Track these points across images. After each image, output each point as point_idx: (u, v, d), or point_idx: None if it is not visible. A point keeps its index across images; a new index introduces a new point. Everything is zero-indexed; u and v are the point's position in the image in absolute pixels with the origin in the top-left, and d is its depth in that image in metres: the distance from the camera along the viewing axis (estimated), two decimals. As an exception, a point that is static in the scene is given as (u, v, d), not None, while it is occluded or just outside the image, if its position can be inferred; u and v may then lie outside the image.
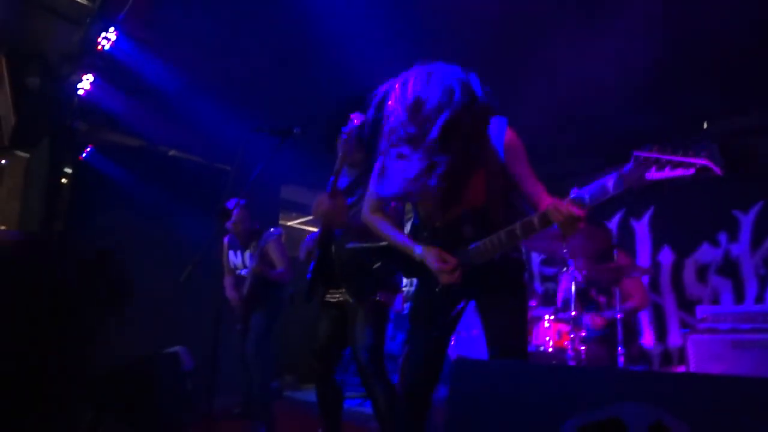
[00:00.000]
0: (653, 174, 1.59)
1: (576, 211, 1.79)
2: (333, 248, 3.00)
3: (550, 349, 4.08)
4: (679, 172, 1.55)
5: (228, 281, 4.48)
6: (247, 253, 4.33)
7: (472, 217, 2.12)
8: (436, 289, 2.14)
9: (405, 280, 6.73)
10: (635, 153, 1.62)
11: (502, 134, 2.11)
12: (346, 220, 2.85)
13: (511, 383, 1.55)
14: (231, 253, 4.47)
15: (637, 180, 1.64)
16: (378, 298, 2.94)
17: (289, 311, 4.52)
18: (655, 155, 1.59)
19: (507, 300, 2.14)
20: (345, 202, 2.91)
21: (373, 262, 2.56)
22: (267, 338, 4.29)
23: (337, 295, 3.13)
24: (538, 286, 5.98)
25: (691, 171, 1.54)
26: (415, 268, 2.20)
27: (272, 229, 4.29)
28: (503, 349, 2.08)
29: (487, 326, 2.17)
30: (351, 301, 2.99)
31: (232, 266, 4.44)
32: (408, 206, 2.59)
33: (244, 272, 4.35)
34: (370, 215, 2.36)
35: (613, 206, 5.68)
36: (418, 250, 2.14)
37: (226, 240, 4.58)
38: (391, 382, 2.95)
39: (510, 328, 2.13)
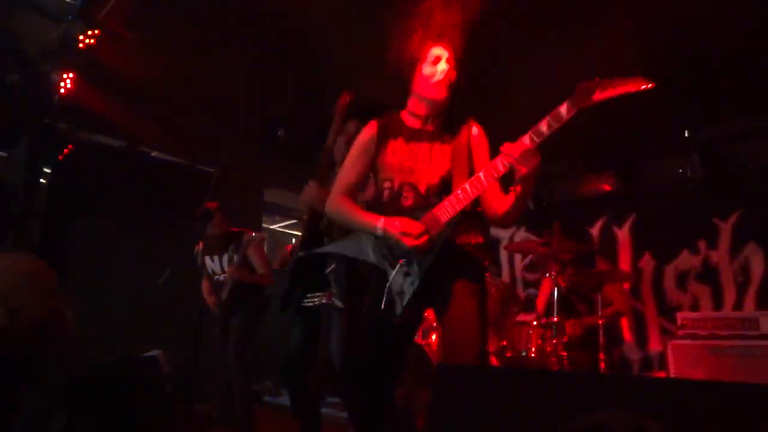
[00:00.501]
0: (599, 95, 1.81)
1: (525, 143, 1.91)
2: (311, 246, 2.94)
3: (533, 355, 4.09)
4: (620, 89, 1.80)
5: (205, 286, 4.41)
6: (225, 258, 4.26)
7: (438, 186, 2.13)
8: (396, 267, 2.09)
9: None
10: (577, 84, 1.86)
11: (470, 127, 2.24)
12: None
13: (494, 390, 1.54)
14: (207, 259, 4.38)
15: (586, 101, 1.83)
16: (352, 304, 2.86)
17: (269, 315, 4.48)
18: (593, 82, 1.84)
19: (465, 305, 2.07)
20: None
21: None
22: (247, 342, 4.23)
23: (315, 299, 3.07)
24: (521, 291, 6.00)
25: (629, 86, 1.79)
26: (372, 254, 2.16)
27: (254, 234, 4.20)
28: (459, 356, 2.01)
29: (444, 332, 2.13)
30: (329, 304, 2.94)
31: (210, 272, 4.35)
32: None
33: (222, 278, 4.26)
34: (336, 198, 2.30)
35: (595, 213, 5.73)
36: (381, 222, 2.10)
37: (199, 245, 4.49)
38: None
39: (466, 335, 2.04)
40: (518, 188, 2.03)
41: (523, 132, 2.00)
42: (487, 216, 2.22)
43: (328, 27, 3.71)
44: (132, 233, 5.42)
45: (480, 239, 2.21)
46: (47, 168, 5.22)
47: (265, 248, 4.47)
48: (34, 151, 4.81)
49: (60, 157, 5.29)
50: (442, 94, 2.17)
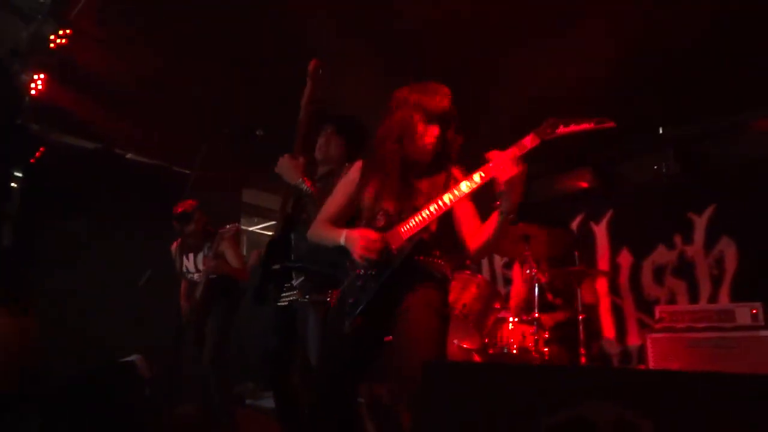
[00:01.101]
0: (561, 129, 1.93)
1: (516, 151, 1.96)
2: (293, 238, 2.97)
3: (515, 351, 4.11)
4: (582, 126, 1.92)
5: (183, 287, 4.36)
6: (200, 256, 4.21)
7: (411, 214, 2.14)
8: (355, 274, 2.13)
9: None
10: (548, 117, 1.97)
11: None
12: (304, 177, 2.78)
13: (477, 385, 1.54)
14: (184, 258, 4.32)
15: (548, 134, 1.94)
16: (328, 299, 2.76)
17: (247, 316, 4.43)
18: (562, 118, 1.95)
19: (422, 319, 2.06)
20: (304, 163, 2.87)
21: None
22: (224, 345, 4.17)
23: (289, 298, 3.07)
24: (501, 288, 6.03)
25: (591, 124, 1.91)
26: (342, 265, 2.21)
27: (227, 226, 4.12)
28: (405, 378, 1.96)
29: (398, 345, 2.08)
30: (302, 300, 2.93)
31: (185, 271, 4.29)
32: None
33: (196, 277, 4.21)
34: (314, 227, 2.39)
35: (574, 210, 5.79)
36: (343, 234, 2.17)
37: (174, 246, 4.43)
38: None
39: (420, 346, 2.00)
40: (503, 203, 1.99)
41: (503, 134, 2.05)
42: (465, 251, 2.21)
43: (308, 24, 3.69)
44: (108, 236, 5.33)
45: (447, 269, 2.23)
46: (18, 171, 5.10)
47: (241, 243, 4.41)
48: (3, 153, 4.69)
49: (32, 160, 5.17)
50: (428, 157, 2.23)
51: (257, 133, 3.14)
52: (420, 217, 2.08)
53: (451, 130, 2.25)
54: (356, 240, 2.10)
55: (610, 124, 1.89)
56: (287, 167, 2.80)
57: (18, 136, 4.74)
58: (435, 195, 2.14)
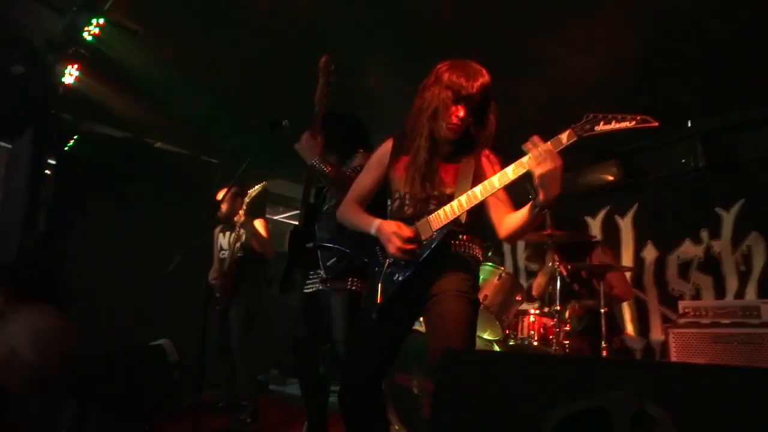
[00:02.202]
0: (601, 126, 1.85)
1: (551, 145, 1.89)
2: (315, 227, 3.03)
3: (535, 343, 4.12)
4: (623, 124, 1.83)
5: (214, 267, 4.47)
6: (233, 235, 4.29)
7: (440, 201, 2.16)
8: (386, 263, 2.15)
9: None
10: (586, 113, 1.90)
11: None
12: (319, 158, 2.79)
13: (495, 373, 1.56)
14: (220, 236, 4.48)
15: (587, 131, 1.87)
16: (351, 287, 2.94)
17: (271, 304, 4.50)
18: (602, 113, 1.87)
19: (453, 312, 2.08)
20: (322, 142, 2.88)
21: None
22: (250, 328, 4.26)
23: (314, 284, 3.12)
24: (524, 281, 6.03)
25: (633, 122, 1.81)
26: (368, 250, 2.23)
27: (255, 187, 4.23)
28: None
29: (430, 339, 2.11)
30: (325, 289, 3.00)
31: (219, 248, 4.44)
32: None
33: (225, 254, 4.35)
34: (346, 205, 2.42)
35: (599, 203, 5.75)
36: (375, 223, 2.20)
37: (217, 228, 4.60)
38: None
39: (449, 333, 2.04)
40: (538, 196, 1.96)
41: (523, 124, 2.04)
42: (497, 234, 2.23)
43: (336, 16, 3.72)
44: (137, 222, 5.46)
45: (477, 249, 2.26)
46: (52, 159, 5.24)
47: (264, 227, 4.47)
48: (39, 142, 4.82)
49: (65, 148, 5.32)
50: (453, 136, 2.22)
51: (283, 123, 3.18)
52: (450, 209, 2.08)
53: (483, 114, 2.22)
54: (389, 237, 2.11)
55: (654, 124, 1.78)
56: (306, 146, 2.80)
57: (52, 125, 4.86)
58: (465, 181, 2.14)
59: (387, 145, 2.37)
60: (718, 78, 4.23)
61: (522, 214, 2.07)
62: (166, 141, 6.23)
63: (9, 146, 5.83)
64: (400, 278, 2.12)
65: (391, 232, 2.12)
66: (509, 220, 2.15)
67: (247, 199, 4.18)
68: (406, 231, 2.11)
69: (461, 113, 2.16)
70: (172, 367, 4.33)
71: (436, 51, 2.29)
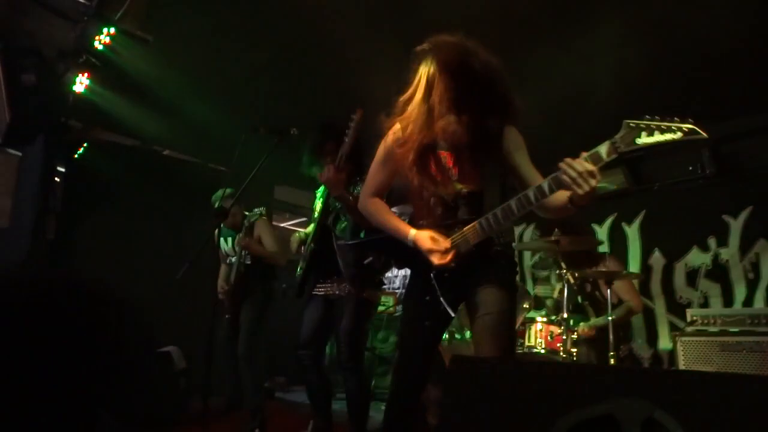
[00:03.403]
0: (643, 139, 1.69)
1: (590, 165, 1.78)
2: (333, 238, 3.15)
3: (542, 351, 4.11)
4: (668, 136, 1.65)
5: (221, 271, 4.43)
6: (237, 238, 4.20)
7: (467, 200, 2.15)
8: (431, 274, 2.14)
9: (397, 282, 6.76)
10: (625, 121, 1.72)
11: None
12: (344, 192, 2.95)
13: (505, 381, 1.57)
14: (222, 240, 4.41)
15: (627, 144, 1.72)
16: (364, 295, 3.09)
17: (278, 312, 4.49)
18: (644, 121, 1.69)
19: (497, 300, 2.13)
20: (346, 177, 2.99)
21: (366, 256, 2.69)
22: (257, 334, 4.20)
23: (325, 288, 3.26)
24: (531, 288, 6.01)
25: (679, 134, 1.64)
26: (408, 257, 2.19)
27: (255, 210, 4.10)
28: (491, 349, 2.08)
29: (475, 326, 2.16)
30: (338, 293, 3.15)
31: (224, 254, 4.36)
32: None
33: (234, 260, 4.24)
34: (367, 200, 2.36)
35: (605, 210, 5.73)
36: (411, 234, 2.15)
37: (216, 232, 4.53)
38: (366, 379, 3.24)
39: (499, 329, 2.11)
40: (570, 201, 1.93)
41: (528, 134, 2.03)
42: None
43: (345, 27, 3.75)
44: (145, 230, 5.50)
45: (509, 238, 2.27)
46: (62, 166, 5.29)
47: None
48: (49, 150, 4.87)
49: (74, 156, 5.37)
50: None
51: (291, 132, 3.21)
52: (487, 224, 2.04)
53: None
54: (429, 253, 2.09)
55: (703, 136, 1.63)
56: (333, 181, 2.90)
57: (62, 133, 4.91)
58: (491, 174, 2.11)
59: (396, 134, 2.24)
60: (725, 84, 4.23)
61: (561, 199, 1.98)
62: (174, 149, 6.27)
63: (20, 154, 5.89)
64: (446, 287, 2.13)
65: (429, 249, 2.09)
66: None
67: (246, 223, 4.09)
68: (444, 243, 2.09)
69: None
70: (179, 374, 4.35)
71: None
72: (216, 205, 4.23)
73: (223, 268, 4.45)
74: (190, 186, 5.91)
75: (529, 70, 4.05)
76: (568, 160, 1.82)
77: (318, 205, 3.41)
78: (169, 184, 5.79)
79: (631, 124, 1.71)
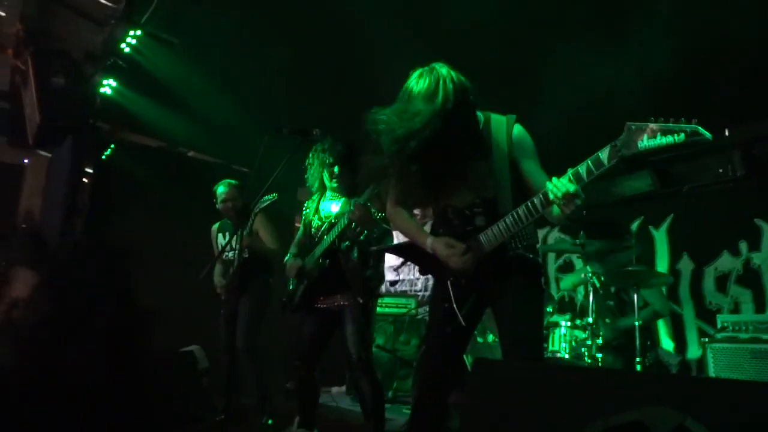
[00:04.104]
0: (645, 142, 1.66)
1: (571, 187, 1.83)
2: (341, 257, 3.30)
3: (567, 356, 4.05)
4: (670, 138, 1.61)
5: (216, 268, 4.38)
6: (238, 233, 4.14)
7: (483, 208, 2.16)
8: (448, 281, 2.15)
9: (419, 285, 6.74)
10: (627, 123, 1.69)
11: (511, 130, 2.19)
12: (374, 226, 3.18)
13: (530, 385, 1.54)
14: (219, 236, 4.40)
15: (629, 148, 1.69)
16: (362, 301, 3.27)
17: (279, 321, 4.45)
18: (645, 123, 1.66)
19: (523, 303, 2.12)
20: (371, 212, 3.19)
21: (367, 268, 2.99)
22: (257, 327, 4.16)
23: (328, 302, 3.37)
24: (555, 292, 5.93)
25: (682, 136, 1.60)
26: (430, 263, 2.24)
27: (266, 197, 3.96)
28: (518, 354, 2.07)
29: (502, 330, 2.17)
30: (342, 303, 3.29)
31: (218, 248, 4.32)
32: None
33: (231, 255, 4.14)
34: (392, 209, 2.42)
35: (632, 213, 5.63)
36: (429, 242, 2.20)
37: (215, 226, 4.51)
38: (377, 379, 3.30)
39: (526, 333, 2.11)
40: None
41: (552, 134, 2.00)
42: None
43: (369, 28, 3.75)
44: (170, 230, 5.57)
45: (532, 241, 2.24)
46: (89, 167, 5.39)
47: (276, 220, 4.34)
48: (77, 151, 4.96)
49: (102, 157, 5.46)
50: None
51: (314, 132, 3.22)
52: (499, 231, 2.06)
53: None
54: (447, 259, 2.12)
55: (706, 138, 1.62)
56: (363, 219, 3.09)
57: (90, 134, 5.00)
58: (502, 179, 2.12)
59: None
60: (756, 85, 4.12)
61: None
62: (199, 150, 6.35)
63: (49, 155, 6.03)
64: (462, 295, 2.14)
65: (447, 255, 2.13)
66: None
67: (256, 210, 4.01)
68: (459, 247, 2.12)
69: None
70: (202, 373, 4.38)
71: (466, 60, 2.28)
72: (219, 198, 4.25)
73: (217, 267, 4.41)
74: (214, 187, 5.97)
75: (550, 71, 4.02)
76: (554, 180, 1.86)
77: (314, 221, 3.55)
78: (194, 185, 5.85)
79: (633, 127, 1.69)
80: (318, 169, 3.49)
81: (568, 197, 1.83)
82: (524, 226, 2.04)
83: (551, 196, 1.87)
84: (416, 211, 2.42)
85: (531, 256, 2.22)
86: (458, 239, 2.15)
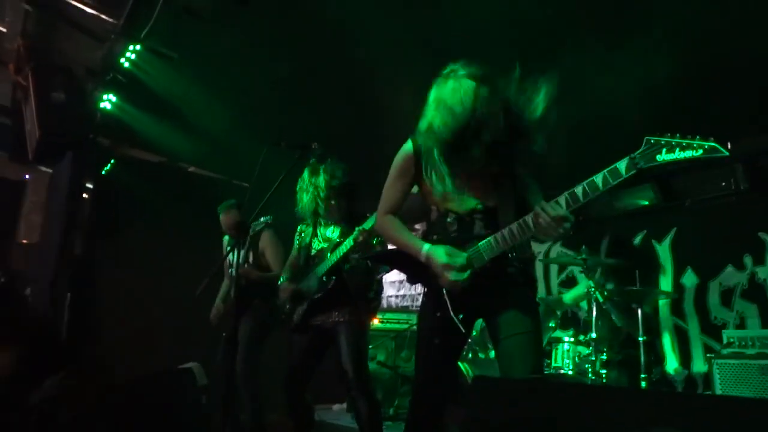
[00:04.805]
0: (663, 155, 1.71)
1: (561, 211, 1.86)
2: (345, 276, 3.30)
3: (570, 372, 3.99)
4: (689, 153, 1.67)
5: (224, 285, 4.34)
6: (242, 251, 4.06)
7: (483, 216, 2.12)
8: (443, 289, 2.10)
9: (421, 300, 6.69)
10: (647, 137, 1.75)
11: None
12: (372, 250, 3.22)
13: (532, 403, 1.49)
14: (231, 254, 4.32)
15: (647, 161, 1.74)
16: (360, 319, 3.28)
17: (281, 338, 4.38)
18: (664, 138, 1.71)
19: (521, 318, 2.07)
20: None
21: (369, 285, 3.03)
22: (257, 349, 4.03)
23: (322, 318, 3.33)
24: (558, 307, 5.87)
25: (700, 152, 1.65)
26: (420, 271, 2.17)
27: (261, 218, 3.84)
28: (518, 371, 2.00)
29: (499, 346, 2.11)
30: (339, 319, 3.26)
31: (227, 266, 4.26)
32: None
33: (233, 272, 4.05)
34: (382, 217, 2.36)
35: (634, 227, 5.58)
36: (425, 249, 2.12)
37: (226, 237, 4.46)
38: (375, 396, 3.27)
39: (524, 348, 2.04)
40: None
41: (554, 146, 1.98)
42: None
43: (368, 41, 3.74)
44: (170, 245, 5.55)
45: (526, 254, 2.21)
46: (89, 183, 5.38)
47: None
48: (77, 167, 4.96)
49: (101, 172, 5.46)
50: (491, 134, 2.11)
51: (313, 146, 3.21)
52: (502, 238, 2.03)
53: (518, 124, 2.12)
54: (441, 272, 2.06)
55: (724, 154, 1.65)
56: (363, 245, 3.13)
57: (90, 150, 5.00)
58: (506, 193, 2.11)
59: (407, 150, 2.25)
60: (760, 97, 4.10)
61: None
62: (199, 165, 6.34)
63: (50, 171, 6.03)
64: (458, 304, 2.09)
65: (444, 264, 2.05)
66: None
67: (262, 240, 4.04)
68: (459, 259, 2.06)
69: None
70: (200, 391, 4.31)
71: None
72: (222, 223, 4.23)
73: (224, 284, 4.36)
74: (214, 202, 5.95)
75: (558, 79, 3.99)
76: (542, 205, 1.90)
77: (315, 243, 3.52)
78: (195, 201, 5.84)
79: (652, 141, 1.74)
80: (311, 204, 3.44)
81: (558, 220, 1.87)
82: (519, 241, 2.02)
83: (540, 219, 1.90)
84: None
85: (528, 270, 2.19)
86: (456, 246, 2.09)
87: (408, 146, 2.24)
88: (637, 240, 5.56)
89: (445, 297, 2.08)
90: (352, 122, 4.77)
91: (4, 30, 4.38)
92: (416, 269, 2.18)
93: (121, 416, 3.37)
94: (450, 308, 2.07)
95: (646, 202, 5.40)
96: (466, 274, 2.04)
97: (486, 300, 2.10)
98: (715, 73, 3.83)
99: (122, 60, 4.05)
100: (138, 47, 3.95)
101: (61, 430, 2.69)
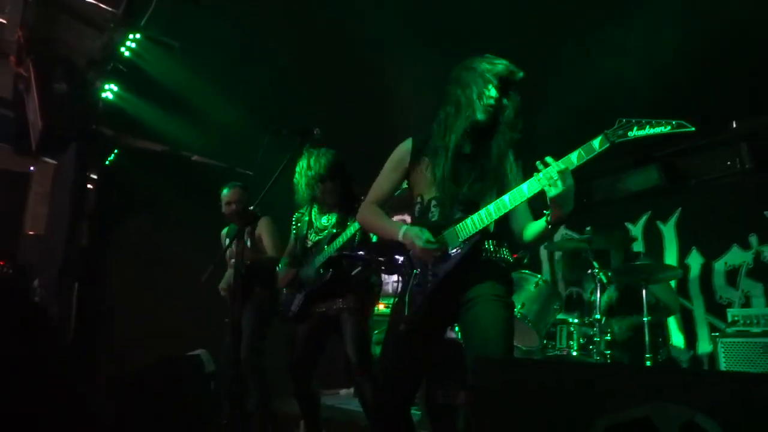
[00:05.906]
0: (635, 132, 1.84)
1: (560, 165, 1.91)
2: (345, 264, 3.32)
3: (575, 353, 4.01)
4: (657, 129, 1.80)
5: (227, 274, 4.31)
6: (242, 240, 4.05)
7: (465, 206, 2.14)
8: (413, 271, 2.13)
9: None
10: (619, 118, 1.88)
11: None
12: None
13: (537, 382, 1.51)
14: (227, 241, 4.29)
15: (620, 136, 1.86)
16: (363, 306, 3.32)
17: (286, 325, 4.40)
18: (635, 119, 1.85)
19: (494, 310, 2.07)
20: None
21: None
22: (262, 336, 4.04)
23: (326, 305, 3.36)
24: (562, 289, 5.88)
25: (668, 128, 1.79)
26: (395, 261, 2.27)
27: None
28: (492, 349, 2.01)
29: (469, 336, 2.11)
30: (342, 306, 3.29)
31: (228, 256, 4.21)
32: None
33: (232, 263, 4.07)
34: (368, 205, 2.41)
35: (639, 208, 5.57)
36: (402, 229, 2.17)
37: (224, 231, 4.46)
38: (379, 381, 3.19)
39: (496, 338, 2.04)
40: (551, 214, 2.02)
41: (556, 128, 1.98)
42: (515, 237, 2.25)
43: (371, 30, 3.73)
44: (175, 233, 5.57)
45: (507, 254, 2.23)
46: (94, 173, 5.40)
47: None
48: (81, 157, 4.97)
49: (106, 162, 5.48)
50: (486, 119, 2.17)
51: (314, 132, 3.20)
52: (479, 218, 2.06)
53: (509, 113, 2.19)
54: (414, 244, 2.09)
55: (690, 129, 1.76)
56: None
57: (93, 140, 5.01)
58: (490, 185, 2.13)
59: (406, 146, 2.34)
60: (764, 76, 4.06)
61: (539, 226, 2.10)
62: (202, 154, 6.35)
63: (55, 162, 6.05)
64: (428, 289, 2.10)
65: (415, 235, 2.10)
66: (529, 229, 2.17)
67: (260, 227, 4.02)
68: (428, 234, 2.09)
69: (496, 94, 2.14)
70: (209, 376, 4.36)
71: (468, 54, 2.26)
72: (223, 200, 4.22)
73: (228, 272, 4.36)
74: (218, 190, 5.97)
75: (555, 63, 3.97)
76: (547, 159, 1.95)
77: (311, 235, 3.51)
78: (198, 189, 5.85)
79: (623, 121, 1.87)
80: (306, 190, 3.43)
81: (558, 173, 1.90)
82: (495, 218, 2.04)
83: (541, 176, 1.93)
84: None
85: (502, 265, 2.19)
86: (434, 230, 2.12)
87: (407, 143, 2.34)
88: (642, 221, 5.56)
89: (406, 299, 2.13)
90: (356, 110, 4.76)
91: (4, 21, 4.37)
92: (393, 258, 2.30)
93: (130, 402, 3.44)
94: (408, 308, 2.12)
95: (651, 184, 5.38)
96: (437, 245, 2.07)
97: (456, 287, 2.11)
98: (720, 52, 3.80)
99: (122, 49, 4.04)
100: (138, 36, 3.94)
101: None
